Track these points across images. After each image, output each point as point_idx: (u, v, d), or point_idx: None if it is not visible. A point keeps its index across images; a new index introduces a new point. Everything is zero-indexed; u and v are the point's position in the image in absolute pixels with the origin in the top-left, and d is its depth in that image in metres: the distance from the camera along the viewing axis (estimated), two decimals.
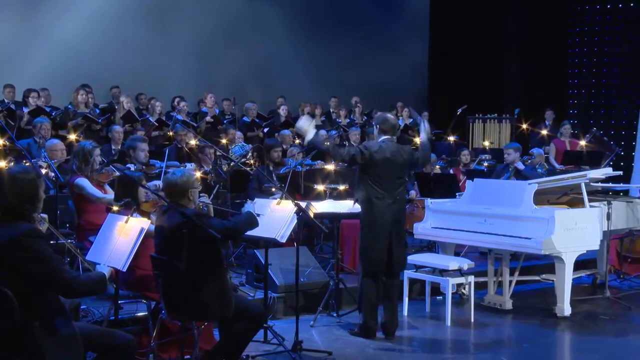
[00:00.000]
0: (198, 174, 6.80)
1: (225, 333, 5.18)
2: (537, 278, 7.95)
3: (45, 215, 4.57)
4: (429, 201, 7.75)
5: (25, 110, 10.23)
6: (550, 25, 16.39)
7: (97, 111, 11.14)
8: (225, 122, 12.10)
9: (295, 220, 5.72)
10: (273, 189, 7.96)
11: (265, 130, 12.67)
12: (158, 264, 5.07)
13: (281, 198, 5.96)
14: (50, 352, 4.00)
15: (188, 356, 5.36)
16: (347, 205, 6.75)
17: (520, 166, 9.25)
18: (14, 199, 4.02)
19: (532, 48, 16.20)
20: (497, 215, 7.08)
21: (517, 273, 7.42)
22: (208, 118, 12.07)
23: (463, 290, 7.70)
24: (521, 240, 6.84)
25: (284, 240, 5.74)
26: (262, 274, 6.67)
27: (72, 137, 8.46)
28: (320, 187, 7.25)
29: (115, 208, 5.44)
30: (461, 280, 6.84)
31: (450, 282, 6.75)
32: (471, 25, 16.03)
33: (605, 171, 7.56)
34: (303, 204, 5.99)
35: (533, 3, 16.23)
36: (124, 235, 5.10)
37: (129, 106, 11.29)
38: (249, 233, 5.82)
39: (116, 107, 11.58)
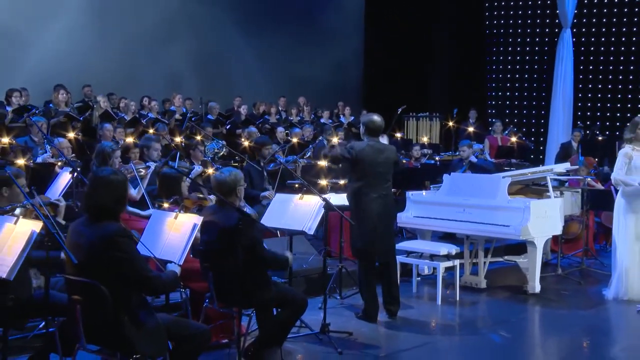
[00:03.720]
0: (211, 170, 6.62)
1: (271, 320, 5.01)
2: (500, 259, 8.10)
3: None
4: (409, 193, 7.75)
5: (9, 109, 9.59)
6: (471, 31, 16.72)
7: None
8: (194, 119, 11.77)
9: (322, 212, 5.58)
10: (267, 193, 7.78)
11: (228, 127, 12.39)
12: (211, 257, 4.83)
13: (303, 193, 5.81)
14: (138, 343, 3.85)
15: (226, 340, 5.23)
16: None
17: (474, 159, 9.41)
18: (108, 200, 3.84)
19: (457, 52, 16.49)
20: (475, 206, 7.16)
21: (489, 256, 7.54)
22: (177, 116, 11.72)
23: None
24: (499, 227, 6.95)
25: (311, 232, 5.60)
26: None
27: (71, 135, 7.97)
28: (323, 182, 7.11)
29: (165, 205, 5.15)
30: (450, 264, 6.88)
31: (442, 266, 6.78)
32: (402, 30, 16.10)
33: (565, 166, 7.78)
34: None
35: (458, 8, 16.48)
36: (175, 230, 4.82)
37: (106, 105, 10.80)
38: (276, 225, 5.69)
39: (91, 105, 11.03)
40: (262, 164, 8.09)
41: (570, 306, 6.97)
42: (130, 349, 3.82)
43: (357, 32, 16.98)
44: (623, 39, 15.44)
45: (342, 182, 7.31)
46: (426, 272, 7.77)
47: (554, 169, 7.41)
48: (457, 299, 6.94)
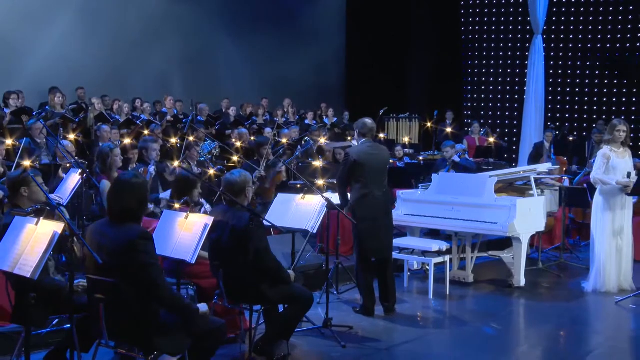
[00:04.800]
0: (212, 172, 6.58)
1: (279, 316, 5.01)
2: (485, 254, 8.17)
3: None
4: (400, 192, 7.79)
5: (7, 111, 9.44)
6: (448, 37, 16.83)
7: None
8: (184, 121, 11.68)
9: (325, 211, 5.58)
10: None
11: (216, 128, 12.32)
12: (222, 256, 4.81)
13: (305, 193, 5.81)
14: (159, 341, 3.83)
15: (232, 335, 5.21)
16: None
17: (457, 159, 9.48)
18: (132, 202, 3.82)
19: (435, 56, 16.58)
20: (464, 204, 7.22)
21: (476, 251, 7.61)
22: (169, 117, 11.64)
23: (427, 267, 7.79)
24: (487, 224, 7.01)
25: (314, 231, 5.61)
26: None
27: (72, 137, 7.86)
28: (320, 182, 7.10)
29: (176, 206, 5.11)
30: (440, 260, 6.92)
31: (433, 262, 6.83)
32: (382, 34, 16.12)
33: (547, 166, 7.87)
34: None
35: (435, 12, 16.55)
36: (187, 230, 4.79)
37: (100, 107, 10.68)
38: (281, 225, 5.67)
39: (84, 107, 10.91)
40: (263, 163, 7.99)
41: (554, 299, 7.07)
42: (152, 346, 3.80)
43: (339, 34, 16.95)
44: (589, 45, 15.72)
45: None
46: (415, 267, 7.80)
47: (537, 169, 7.49)
48: (447, 293, 6.99)
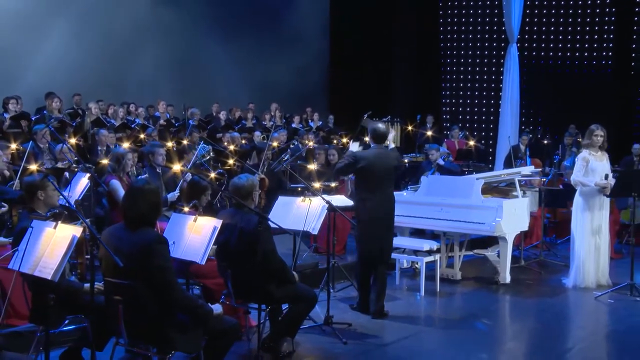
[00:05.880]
0: (212, 175, 6.54)
1: (285, 315, 4.99)
2: (471, 252, 8.23)
3: None
4: None
5: (7, 116, 9.29)
6: (428, 45, 16.90)
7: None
8: (177, 125, 11.61)
9: (325, 213, 5.59)
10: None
11: (207, 131, 12.23)
12: (230, 257, 4.79)
13: (306, 196, 5.80)
14: (177, 341, 3.83)
15: None
16: (340, 199, 6.69)
17: (441, 162, 9.54)
18: (145, 208, 3.80)
19: (415, 63, 16.65)
20: (452, 205, 7.27)
21: (464, 249, 7.66)
22: (161, 122, 11.55)
23: (416, 265, 7.84)
24: (475, 224, 7.08)
25: (315, 232, 5.61)
26: None
27: (73, 141, 7.77)
28: (316, 185, 7.09)
29: (185, 209, 5.07)
30: (431, 258, 6.96)
31: (425, 260, 6.86)
32: (364, 40, 16.11)
33: (531, 169, 7.96)
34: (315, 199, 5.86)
35: (415, 23, 16.63)
36: (196, 232, 4.76)
37: (97, 112, 10.56)
38: (285, 227, 5.64)
39: (80, 112, 10.77)
40: (262, 167, 7.93)
41: (537, 294, 7.15)
42: (170, 345, 3.78)
43: (322, 38, 16.89)
44: (559, 54, 15.95)
45: (333, 184, 7.32)
46: (405, 265, 7.83)
47: (521, 171, 7.58)
48: (438, 290, 7.03)
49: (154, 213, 3.84)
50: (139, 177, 5.99)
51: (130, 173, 6.60)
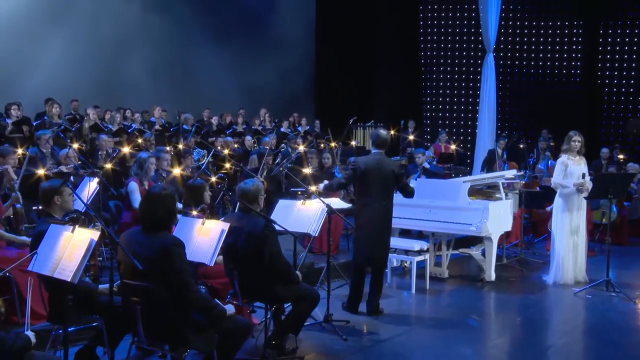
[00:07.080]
0: (213, 179, 6.52)
1: (290, 313, 4.98)
2: (456, 252, 8.29)
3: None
4: None
5: (9, 121, 9.16)
6: (409, 54, 16.99)
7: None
8: (171, 130, 11.54)
9: (325, 215, 5.59)
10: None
11: (201, 136, 12.16)
12: (237, 259, 4.77)
13: (305, 199, 5.80)
14: (192, 340, 3.81)
15: None
16: (336, 202, 6.68)
17: (427, 165, 9.61)
18: (162, 213, 3.78)
19: (397, 70, 16.71)
20: (440, 207, 7.32)
21: (450, 249, 7.72)
22: (157, 127, 11.47)
23: (405, 264, 7.89)
24: (462, 225, 7.13)
25: (316, 234, 5.61)
26: None
27: (75, 146, 7.69)
28: (313, 188, 7.08)
29: (194, 212, 5.05)
30: (421, 258, 7.00)
31: (415, 260, 6.90)
32: (349, 46, 16.12)
33: (513, 172, 8.05)
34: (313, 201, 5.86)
35: (397, 32, 16.67)
36: (204, 235, 4.76)
37: (95, 117, 10.44)
38: (288, 228, 5.62)
39: (77, 117, 10.66)
40: (262, 171, 7.88)
41: (520, 291, 7.23)
42: (186, 344, 3.77)
43: (308, 44, 16.84)
44: (532, 63, 16.18)
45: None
46: (395, 264, 7.86)
47: (505, 175, 7.66)
48: (427, 287, 7.07)
49: (170, 217, 3.84)
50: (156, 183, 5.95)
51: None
